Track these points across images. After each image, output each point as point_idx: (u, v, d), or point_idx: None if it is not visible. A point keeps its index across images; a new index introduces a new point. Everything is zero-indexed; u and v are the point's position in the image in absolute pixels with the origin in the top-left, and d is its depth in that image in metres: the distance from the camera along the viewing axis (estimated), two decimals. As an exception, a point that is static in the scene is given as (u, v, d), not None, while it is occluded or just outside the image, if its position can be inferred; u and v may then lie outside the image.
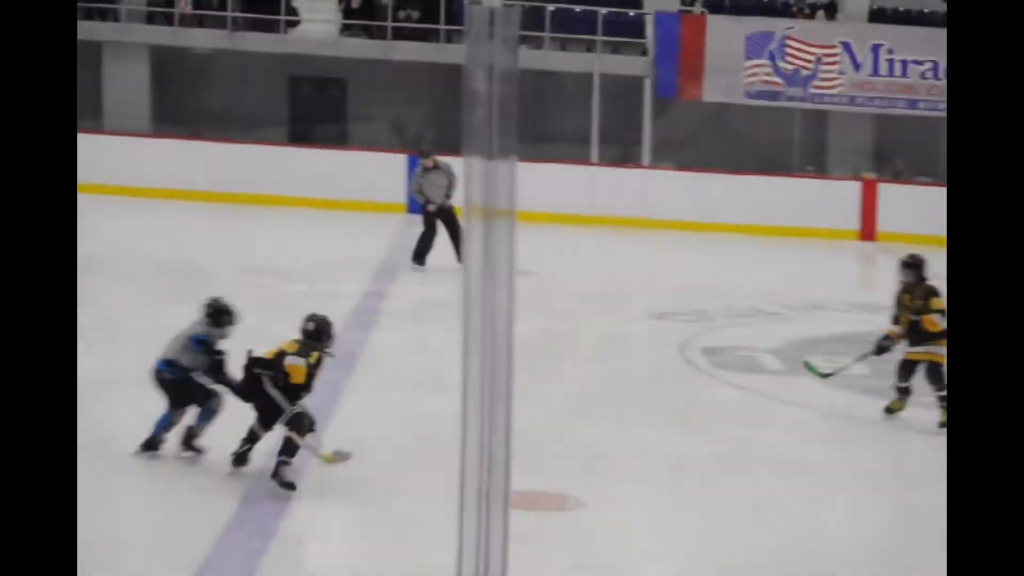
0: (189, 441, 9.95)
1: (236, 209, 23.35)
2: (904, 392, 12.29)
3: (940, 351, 11.99)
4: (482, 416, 2.48)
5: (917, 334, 12.11)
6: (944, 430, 11.96)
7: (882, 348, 12.45)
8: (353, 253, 19.50)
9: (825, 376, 12.99)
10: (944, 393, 12.06)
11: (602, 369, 13.24)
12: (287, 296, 16.37)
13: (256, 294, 16.50)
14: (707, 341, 15.53)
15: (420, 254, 18.81)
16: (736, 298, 18.13)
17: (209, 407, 9.91)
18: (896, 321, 12.43)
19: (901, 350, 12.22)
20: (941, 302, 12.07)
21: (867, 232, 25.32)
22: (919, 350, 12.10)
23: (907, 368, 12.23)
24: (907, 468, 11.03)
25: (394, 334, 14.67)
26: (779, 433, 11.74)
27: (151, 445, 9.89)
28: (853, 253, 24.66)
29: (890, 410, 12.40)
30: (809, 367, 13.20)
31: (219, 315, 10.11)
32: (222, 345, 9.95)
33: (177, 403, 9.90)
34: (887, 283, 22.42)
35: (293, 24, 28.11)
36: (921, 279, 12.35)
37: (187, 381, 9.85)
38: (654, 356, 14.39)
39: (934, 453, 11.69)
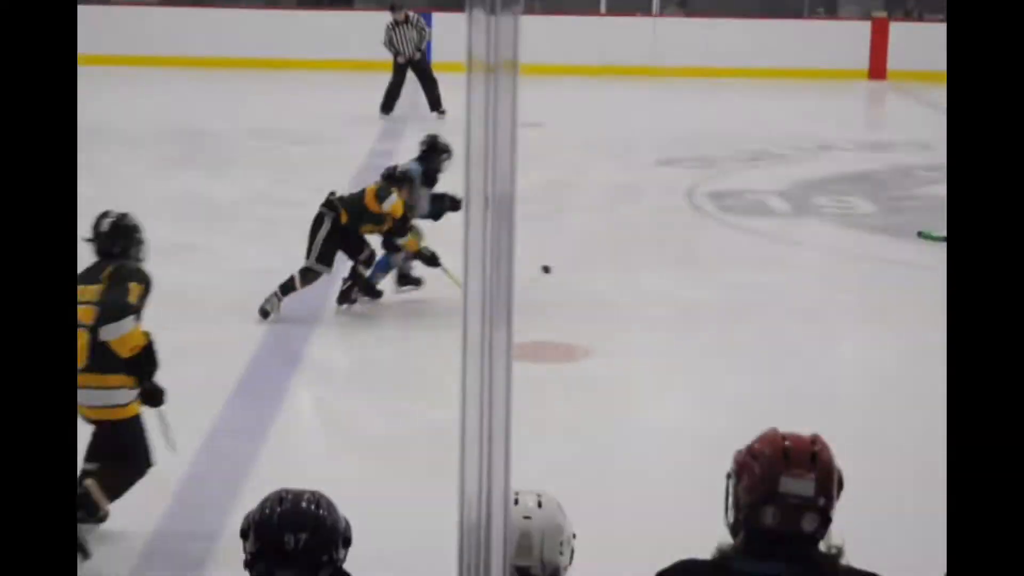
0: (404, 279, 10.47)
1: (243, 75, 23.27)
2: None
3: None
4: (484, 266, 2.51)
5: None
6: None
7: None
8: (360, 113, 19.46)
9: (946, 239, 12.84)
10: None
11: (609, 217, 13.27)
12: (293, 157, 16.42)
13: (262, 156, 16.56)
14: (714, 186, 15.51)
15: (387, 104, 19.54)
16: (744, 142, 18.08)
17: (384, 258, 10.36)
18: None
19: None
20: None
21: (877, 71, 25.13)
22: None
23: None
24: (915, 306, 11.05)
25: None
26: (787, 275, 11.76)
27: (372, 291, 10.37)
28: (862, 93, 24.51)
29: None
30: (925, 235, 12.98)
31: (429, 153, 10.57)
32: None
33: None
34: (896, 121, 22.47)
35: None
36: None
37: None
38: (662, 203, 14.37)
39: (941, 291, 11.74)
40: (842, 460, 3.46)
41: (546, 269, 10.51)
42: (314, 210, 9.88)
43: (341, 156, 16.07)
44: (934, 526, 4.28)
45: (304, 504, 3.72)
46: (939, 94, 22.79)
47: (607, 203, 14.36)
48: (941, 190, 15.48)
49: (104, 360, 6.32)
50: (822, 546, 3.39)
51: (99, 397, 6.34)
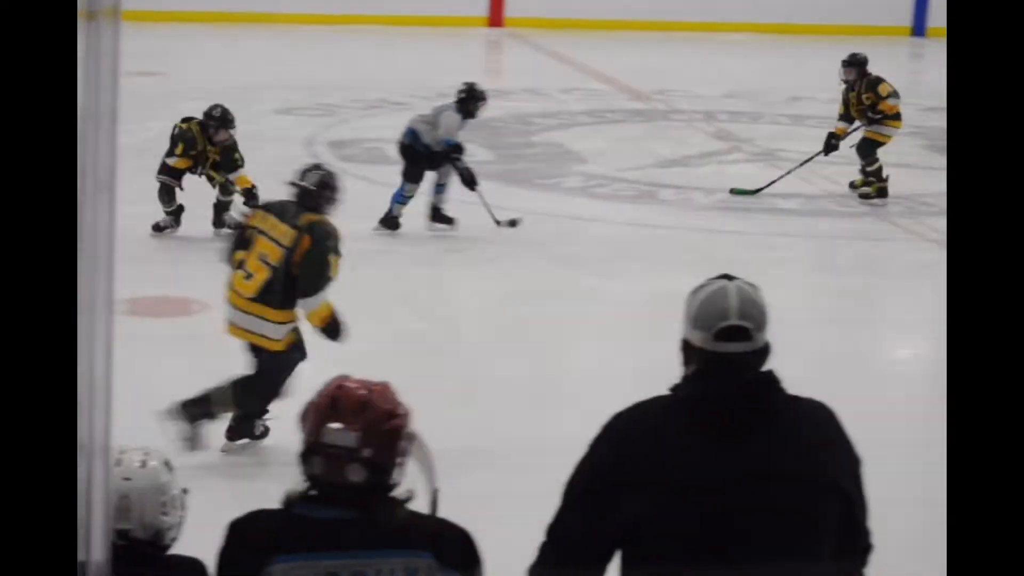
0: (436, 215, 11.68)
1: None
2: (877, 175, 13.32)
3: (885, 131, 13.23)
4: (91, 219, 2.50)
5: (872, 118, 13.16)
6: (855, 190, 13.53)
7: (832, 147, 13.32)
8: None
9: (755, 192, 13.30)
10: (873, 167, 13.30)
11: (227, 169, 13.15)
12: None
13: None
14: (334, 135, 15.59)
15: None
16: (362, 91, 18.18)
17: (441, 182, 11.63)
18: (845, 119, 13.38)
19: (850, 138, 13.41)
20: (888, 86, 13.15)
21: (495, 19, 25.53)
22: (873, 129, 13.25)
23: (869, 148, 13.27)
24: (525, 254, 11.33)
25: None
26: (402, 223, 11.91)
27: (390, 223, 11.54)
28: (481, 40, 24.89)
29: (855, 186, 13.57)
30: (737, 191, 13.44)
31: (465, 102, 12.15)
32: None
33: (412, 176, 11.51)
34: (512, 68, 22.86)
35: None
36: (863, 75, 13.27)
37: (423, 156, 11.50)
38: (280, 152, 14.28)
39: (555, 236, 12.09)
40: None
41: (512, 223, 11.66)
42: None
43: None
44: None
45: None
46: (552, 41, 23.35)
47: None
48: (556, 137, 15.96)
49: (274, 297, 6.76)
50: (402, 491, 3.31)
51: (258, 325, 6.81)
